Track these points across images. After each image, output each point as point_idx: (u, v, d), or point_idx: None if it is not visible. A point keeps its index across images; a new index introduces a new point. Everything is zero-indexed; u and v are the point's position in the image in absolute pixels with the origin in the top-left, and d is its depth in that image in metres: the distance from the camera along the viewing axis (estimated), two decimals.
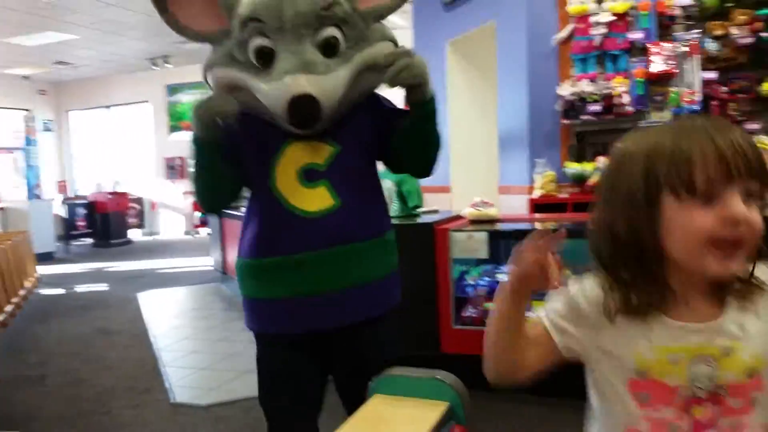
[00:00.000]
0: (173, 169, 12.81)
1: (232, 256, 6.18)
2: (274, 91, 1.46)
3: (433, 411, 0.84)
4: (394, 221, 3.26)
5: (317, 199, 1.53)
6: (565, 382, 3.07)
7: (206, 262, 7.78)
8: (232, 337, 4.43)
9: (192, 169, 1.61)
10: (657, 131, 0.85)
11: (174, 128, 12.94)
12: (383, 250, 1.65)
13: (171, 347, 4.31)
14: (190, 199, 12.19)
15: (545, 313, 0.93)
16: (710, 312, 0.84)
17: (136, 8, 8.27)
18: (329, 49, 1.51)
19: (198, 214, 11.88)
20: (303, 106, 1.43)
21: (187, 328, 4.92)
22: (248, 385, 3.43)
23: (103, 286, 7.05)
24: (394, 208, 3.46)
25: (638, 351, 0.84)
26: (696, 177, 0.77)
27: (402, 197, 3.44)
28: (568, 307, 0.92)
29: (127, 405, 3.25)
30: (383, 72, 1.53)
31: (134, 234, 12.30)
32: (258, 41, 1.49)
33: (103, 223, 11.23)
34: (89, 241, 11.47)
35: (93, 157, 13.64)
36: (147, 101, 13.08)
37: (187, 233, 12.57)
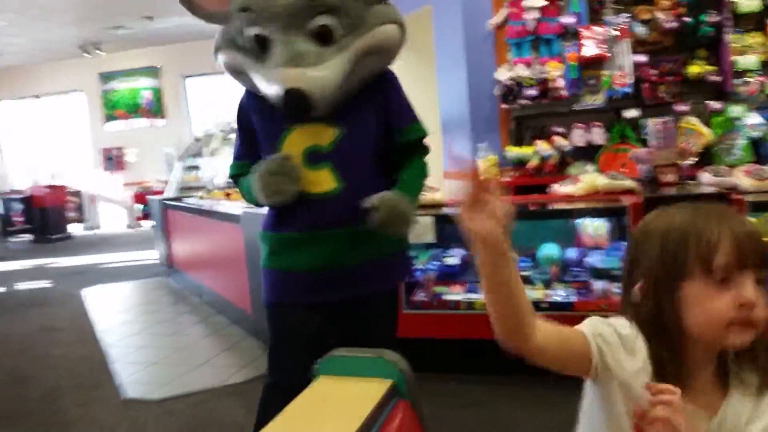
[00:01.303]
0: (111, 160, 12.47)
1: (178, 248, 6.14)
2: (268, 82, 1.54)
3: (377, 388, 0.89)
4: None
5: (321, 182, 1.60)
6: (506, 362, 3.20)
7: (151, 256, 7.64)
8: (183, 331, 4.40)
9: (242, 192, 1.79)
10: (677, 214, 0.94)
11: (109, 117, 12.57)
12: (370, 233, 1.70)
13: (120, 343, 4.25)
14: (131, 191, 11.91)
15: (589, 328, 0.97)
16: (713, 399, 0.93)
17: None
18: (323, 37, 1.53)
19: (139, 206, 11.60)
20: (293, 100, 1.49)
21: (136, 324, 4.85)
22: (201, 379, 3.44)
23: (44, 283, 6.84)
24: None
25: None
26: (715, 262, 0.87)
27: None
28: (611, 336, 0.96)
29: (75, 403, 3.20)
30: (386, 55, 1.64)
31: (74, 228, 11.92)
32: (253, 30, 1.54)
33: (42, 217, 10.85)
34: (28, 236, 11.06)
35: (26, 150, 13.12)
36: (80, 90, 12.64)
37: (129, 226, 12.27)
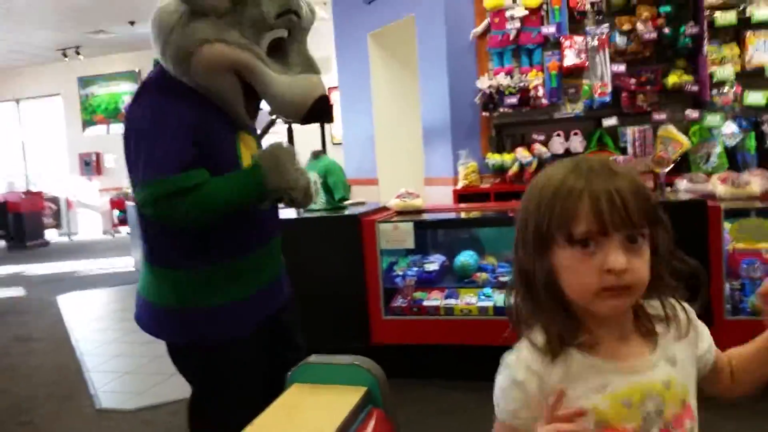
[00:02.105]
0: (88, 166, 12.30)
1: None
2: (296, 88, 1.50)
3: (351, 395, 0.87)
4: (321, 214, 3.31)
5: None
6: (485, 367, 3.19)
7: (128, 263, 7.54)
8: (158, 341, 4.32)
9: (221, 199, 1.46)
10: (557, 172, 0.86)
11: (88, 123, 12.42)
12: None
13: (95, 352, 4.18)
14: (108, 197, 11.76)
15: (503, 415, 0.89)
16: (646, 343, 0.88)
17: None
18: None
19: (117, 212, 11.45)
20: (322, 104, 1.52)
21: (111, 332, 4.77)
22: (176, 388, 3.37)
23: (19, 291, 6.71)
24: (320, 200, 3.48)
25: (594, 405, 0.85)
26: (574, 230, 0.81)
27: (328, 189, 3.46)
28: (519, 401, 0.88)
29: (48, 413, 3.13)
30: None
31: (51, 235, 11.73)
32: (281, 33, 1.52)
33: (17, 223, 10.66)
34: (2, 243, 10.87)
35: (2, 154, 12.92)
36: (58, 94, 12.49)
37: (105, 233, 12.11)
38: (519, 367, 0.87)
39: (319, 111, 1.53)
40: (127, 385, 3.50)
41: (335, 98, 6.30)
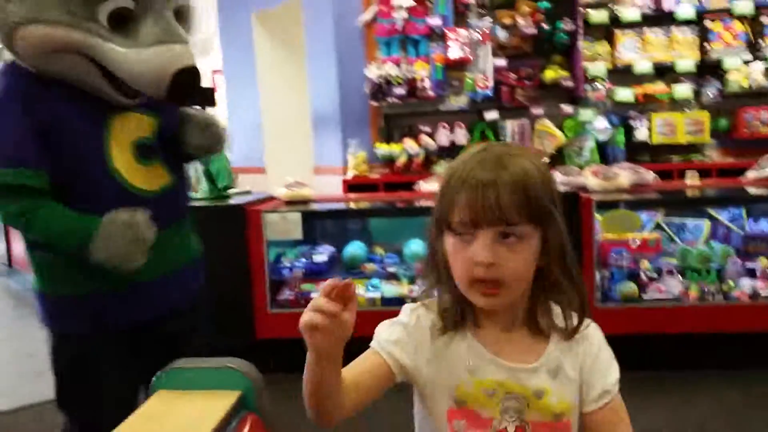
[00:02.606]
0: None
1: (20, 246, 5.60)
2: (148, 60, 1.33)
3: (221, 401, 0.81)
4: (203, 203, 3.14)
5: (156, 177, 1.47)
6: None
7: None
8: (23, 336, 4.00)
9: (48, 231, 1.37)
10: (462, 157, 0.89)
11: None
12: (191, 229, 1.63)
13: None
14: None
15: (377, 343, 0.92)
16: (533, 349, 0.89)
17: None
18: (180, 18, 1.43)
19: None
20: (189, 78, 1.35)
21: None
22: (42, 389, 3.13)
23: None
24: (202, 189, 3.34)
25: (460, 382, 0.88)
26: (452, 219, 0.84)
27: (210, 177, 3.31)
28: (400, 335, 0.92)
29: None
30: None
31: None
32: (122, 2, 1.33)
33: None
34: None
35: None
36: None
37: None
38: (412, 315, 0.93)
39: (187, 86, 1.37)
40: None
41: (219, 82, 6.07)
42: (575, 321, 0.89)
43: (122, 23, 1.34)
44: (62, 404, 1.58)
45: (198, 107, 1.73)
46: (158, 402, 0.85)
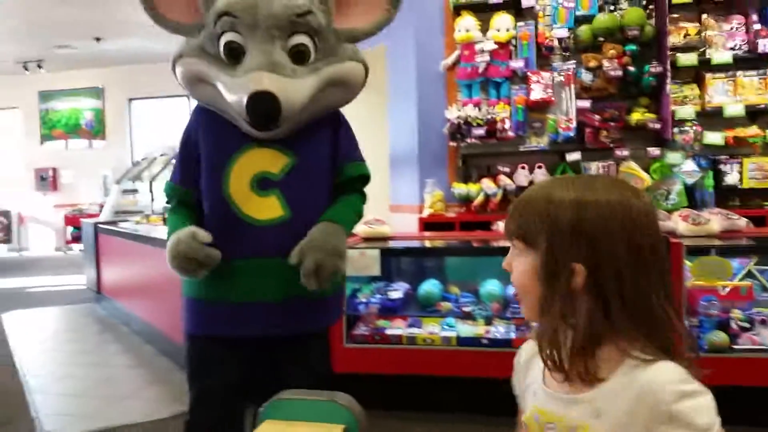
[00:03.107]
0: (44, 180, 11.97)
1: (109, 274, 5.88)
2: (236, 86, 1.46)
3: None
4: None
5: (267, 208, 1.55)
6: (447, 398, 3.12)
7: (79, 281, 7.30)
8: (108, 362, 4.17)
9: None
10: None
11: (46, 137, 12.11)
12: None
13: (39, 373, 3.99)
14: (62, 213, 11.44)
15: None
16: (580, 384, 0.85)
17: (5, 7, 7.70)
18: (298, 56, 1.52)
19: (71, 228, 11.12)
20: (262, 102, 1.41)
21: (58, 352, 4.57)
22: (125, 412, 3.24)
23: None
24: None
25: (531, 404, 0.94)
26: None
27: None
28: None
29: None
30: (349, 90, 1.63)
31: (0, 250, 11.32)
32: (229, 36, 1.50)
33: None
34: None
35: None
36: (16, 107, 12.16)
37: (58, 249, 11.74)
38: (521, 350, 1.02)
39: (263, 110, 1.43)
40: (73, 409, 3.33)
41: None
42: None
43: (235, 57, 1.50)
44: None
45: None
46: (267, 431, 0.86)
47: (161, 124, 11.41)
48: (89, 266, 6.48)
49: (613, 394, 0.82)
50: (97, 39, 9.48)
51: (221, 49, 1.51)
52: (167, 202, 1.74)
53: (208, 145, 1.60)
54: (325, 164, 1.65)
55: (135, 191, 7.52)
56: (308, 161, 1.59)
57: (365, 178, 1.73)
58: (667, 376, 0.81)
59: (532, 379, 0.95)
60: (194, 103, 1.73)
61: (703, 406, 0.80)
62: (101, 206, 9.84)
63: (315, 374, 1.63)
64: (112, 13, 8.17)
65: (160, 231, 4.47)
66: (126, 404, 3.37)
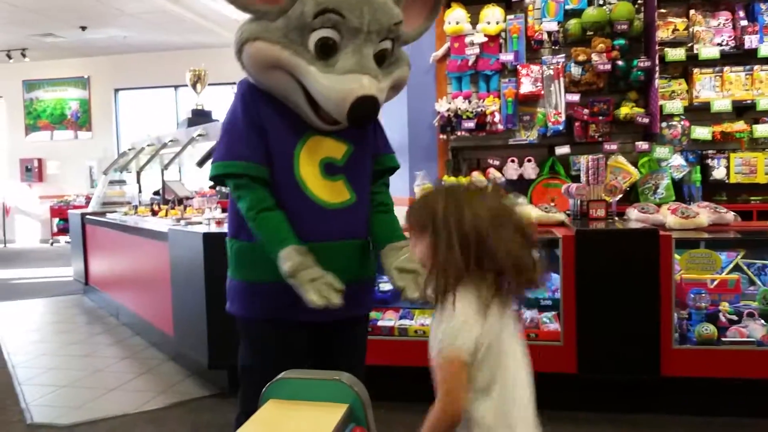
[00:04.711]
0: (30, 171, 11.85)
1: (96, 265, 5.85)
2: (336, 85, 1.52)
3: (332, 413, 0.82)
4: None
5: (337, 192, 1.64)
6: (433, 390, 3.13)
7: (66, 273, 7.25)
8: (97, 353, 4.16)
9: (259, 231, 1.60)
10: None
11: (32, 128, 11.98)
12: (369, 249, 1.76)
13: (28, 364, 3.97)
14: (48, 204, 11.33)
15: (465, 348, 1.21)
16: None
17: None
18: (380, 59, 1.61)
19: (57, 220, 11.03)
20: (367, 106, 1.52)
21: (47, 343, 4.55)
22: (114, 403, 3.24)
23: None
24: None
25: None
26: None
27: None
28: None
29: None
30: (398, 91, 1.73)
31: None
32: (327, 33, 1.53)
33: None
34: None
35: None
36: (1, 96, 12.01)
37: (44, 241, 11.64)
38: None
39: (365, 113, 1.54)
40: (62, 400, 3.32)
41: None
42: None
43: (326, 52, 1.55)
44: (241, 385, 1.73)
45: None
46: (271, 411, 0.86)
47: (147, 115, 11.33)
48: (76, 257, 6.44)
49: (443, 312, 1.24)
50: (83, 28, 9.37)
51: (312, 42, 1.54)
52: (229, 180, 1.62)
53: (274, 129, 1.61)
54: (371, 153, 1.77)
55: (122, 182, 7.46)
56: (363, 149, 1.71)
57: (395, 169, 1.87)
58: (459, 307, 1.24)
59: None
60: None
61: (451, 330, 1.22)
62: (87, 198, 9.77)
63: (361, 355, 1.79)
64: (98, 0, 8.08)
65: (150, 222, 4.45)
66: (115, 395, 3.36)
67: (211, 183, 1.89)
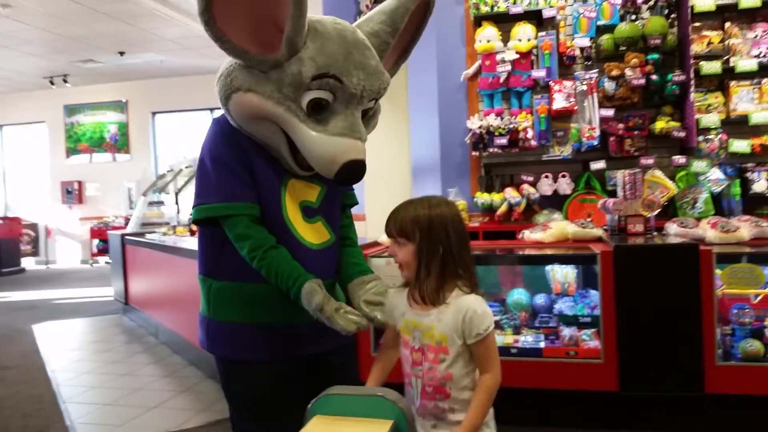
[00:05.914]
0: (70, 194, 12.17)
1: (136, 285, 5.96)
2: (328, 147, 1.53)
3: (377, 429, 0.84)
4: None
5: (319, 233, 1.68)
6: (547, 413, 3.07)
7: (106, 293, 7.40)
8: (137, 371, 4.23)
9: (271, 273, 1.57)
10: None
11: (72, 151, 12.33)
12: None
13: (71, 382, 4.06)
14: (88, 225, 11.61)
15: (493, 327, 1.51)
16: (429, 306, 1.52)
17: (32, 21, 7.87)
18: (364, 116, 1.65)
19: (97, 241, 11.30)
20: (355, 169, 1.55)
21: (88, 362, 4.65)
22: (155, 421, 3.29)
23: None
24: None
25: (402, 321, 1.57)
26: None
27: None
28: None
29: None
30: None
31: (28, 262, 11.53)
32: (322, 94, 1.53)
33: None
34: None
35: None
36: (42, 121, 12.40)
37: (84, 262, 11.92)
38: (389, 291, 1.65)
39: (353, 175, 1.56)
40: (105, 418, 3.39)
41: None
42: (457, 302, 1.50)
43: (318, 111, 1.54)
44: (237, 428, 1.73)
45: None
46: (317, 426, 0.88)
47: (184, 137, 11.58)
48: (116, 277, 6.58)
49: (447, 308, 1.50)
50: (121, 53, 9.65)
51: (306, 100, 1.53)
52: (227, 221, 1.59)
53: (261, 171, 1.62)
54: (339, 192, 1.80)
55: (161, 203, 7.62)
56: (333, 188, 1.74)
57: (354, 205, 1.91)
58: (471, 300, 1.50)
59: (398, 305, 1.58)
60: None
61: (483, 317, 1.47)
62: (126, 218, 9.99)
63: (356, 380, 1.79)
64: (136, 27, 8.32)
65: (188, 242, 4.53)
66: (156, 414, 3.41)
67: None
